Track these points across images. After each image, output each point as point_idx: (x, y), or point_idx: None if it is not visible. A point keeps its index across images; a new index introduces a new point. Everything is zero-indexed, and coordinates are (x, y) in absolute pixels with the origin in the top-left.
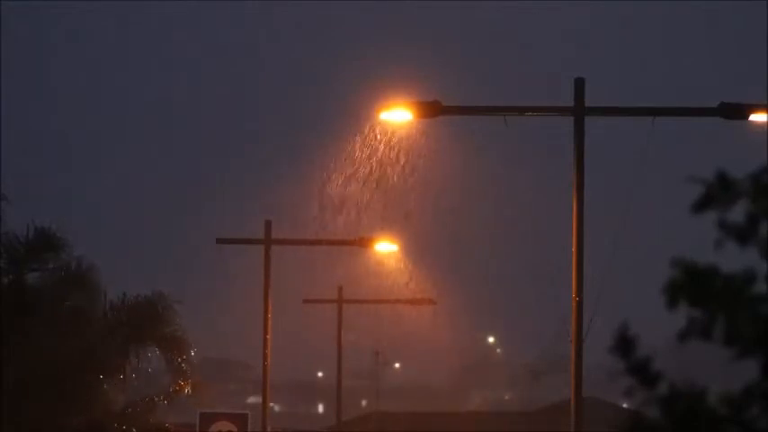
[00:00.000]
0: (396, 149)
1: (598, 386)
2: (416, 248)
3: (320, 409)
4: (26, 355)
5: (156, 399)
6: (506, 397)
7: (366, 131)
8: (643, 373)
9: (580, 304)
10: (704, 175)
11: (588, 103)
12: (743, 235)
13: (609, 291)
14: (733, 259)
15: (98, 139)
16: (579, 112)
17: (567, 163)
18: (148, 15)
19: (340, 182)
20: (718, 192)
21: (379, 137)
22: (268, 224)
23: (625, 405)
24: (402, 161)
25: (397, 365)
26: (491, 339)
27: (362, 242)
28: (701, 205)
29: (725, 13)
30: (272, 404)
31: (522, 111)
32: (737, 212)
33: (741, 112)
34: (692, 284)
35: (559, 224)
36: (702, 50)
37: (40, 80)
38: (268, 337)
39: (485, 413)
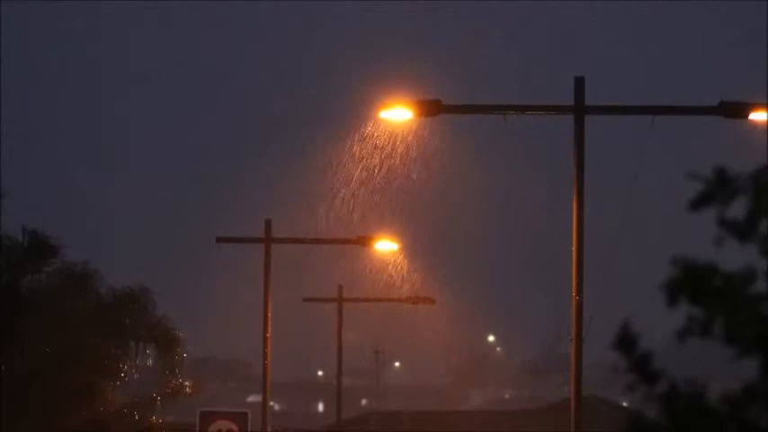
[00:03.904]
0: (396, 148)
1: (599, 384)
2: (417, 247)
3: (320, 407)
4: (23, 355)
5: (154, 396)
6: (506, 396)
7: (367, 130)
8: (644, 370)
9: (580, 303)
10: (703, 173)
11: (588, 101)
12: (743, 232)
13: (609, 290)
14: (735, 258)
15: (98, 138)
16: (579, 110)
17: (567, 162)
18: (153, 15)
19: (341, 180)
20: (717, 188)
21: (379, 135)
22: (268, 223)
23: (625, 404)
24: (402, 160)
25: (397, 364)
26: (491, 338)
27: (362, 241)
28: (700, 202)
29: (725, 13)
30: (272, 403)
31: (521, 109)
32: (737, 210)
33: (741, 110)
34: (691, 282)
35: (560, 223)
36: (702, 50)
37: (39, 80)
38: (268, 335)
39: (485, 412)
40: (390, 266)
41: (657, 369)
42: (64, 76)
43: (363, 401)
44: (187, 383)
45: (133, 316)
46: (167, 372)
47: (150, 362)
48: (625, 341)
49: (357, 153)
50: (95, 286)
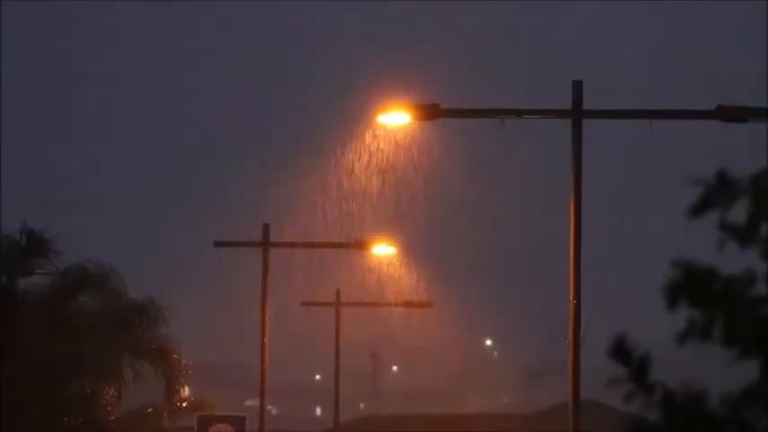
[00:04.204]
0: (394, 152)
1: (597, 388)
2: (415, 251)
3: (318, 411)
4: (19, 357)
5: (155, 408)
6: (504, 399)
7: (365, 134)
8: (640, 381)
9: (577, 307)
10: (704, 176)
11: (588, 104)
12: (743, 236)
13: (608, 292)
14: (734, 261)
15: (98, 138)
16: (577, 114)
17: (566, 165)
18: (156, 16)
19: (339, 184)
20: (718, 192)
21: (377, 139)
22: (266, 227)
23: (624, 407)
24: (400, 163)
25: (394, 368)
26: (489, 342)
27: (360, 245)
28: (700, 207)
29: (725, 13)
30: (269, 407)
31: (520, 113)
32: (738, 213)
33: (738, 115)
34: (691, 285)
35: (558, 226)
36: (702, 50)
37: (42, 79)
38: (266, 339)
39: (482, 415)
40: (388, 270)
41: (653, 381)
42: (63, 77)
43: (361, 405)
44: (188, 401)
45: (141, 326)
46: (171, 393)
47: (150, 371)
48: (620, 354)
49: (355, 157)
50: (113, 285)
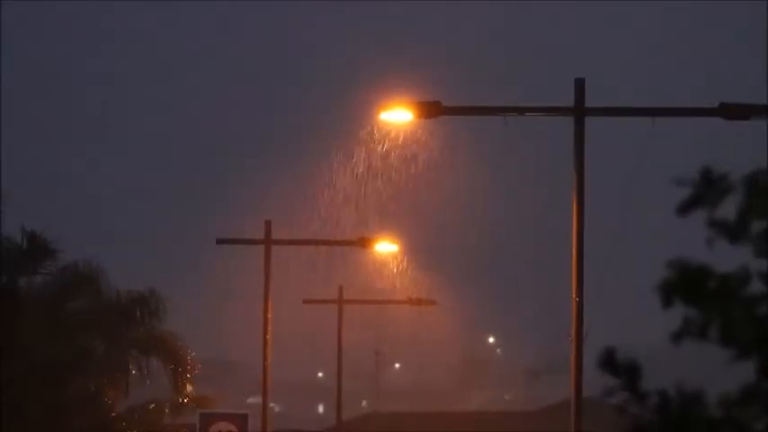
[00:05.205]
0: (396, 149)
1: (599, 386)
2: (417, 248)
3: (320, 409)
4: (21, 357)
5: (157, 404)
6: (506, 397)
7: (367, 131)
8: (632, 389)
9: (580, 305)
10: (690, 175)
11: (588, 103)
12: (734, 233)
13: (607, 290)
14: (732, 258)
15: (98, 138)
16: (579, 112)
17: (567, 163)
18: (156, 16)
19: (341, 182)
20: (705, 189)
21: (379, 137)
22: (268, 224)
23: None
24: (402, 161)
25: (397, 366)
26: (491, 339)
27: (363, 242)
28: (687, 206)
29: (725, 13)
30: (271, 404)
31: (522, 111)
32: (727, 210)
33: (741, 112)
34: (685, 284)
35: (560, 224)
36: (702, 50)
37: (42, 79)
38: (268, 337)
39: (484, 413)
40: (391, 267)
41: (645, 389)
42: (63, 77)
43: (364, 403)
44: (193, 397)
45: (143, 323)
46: (178, 388)
47: (156, 364)
48: (609, 367)
49: (357, 155)
50: (103, 286)
